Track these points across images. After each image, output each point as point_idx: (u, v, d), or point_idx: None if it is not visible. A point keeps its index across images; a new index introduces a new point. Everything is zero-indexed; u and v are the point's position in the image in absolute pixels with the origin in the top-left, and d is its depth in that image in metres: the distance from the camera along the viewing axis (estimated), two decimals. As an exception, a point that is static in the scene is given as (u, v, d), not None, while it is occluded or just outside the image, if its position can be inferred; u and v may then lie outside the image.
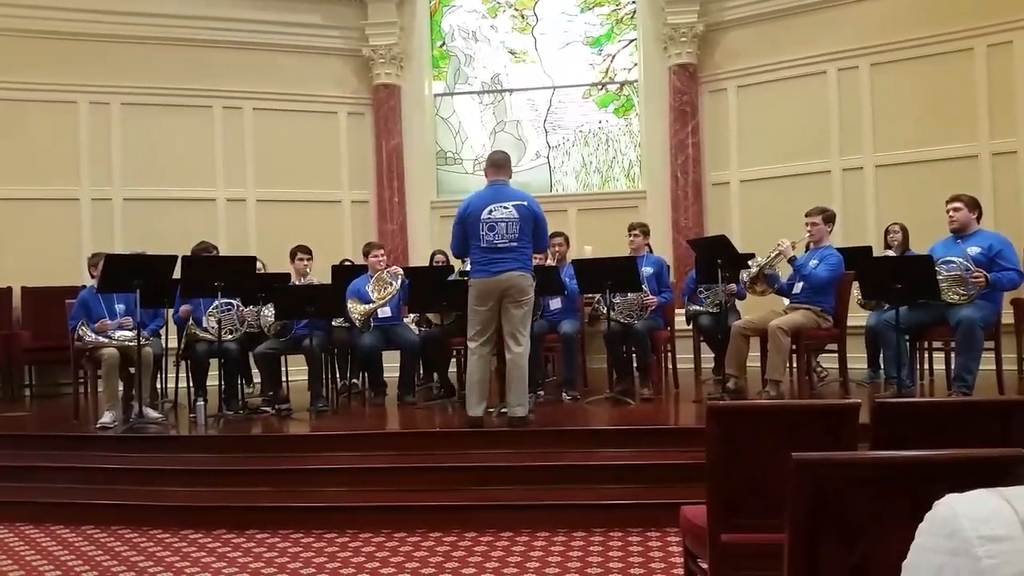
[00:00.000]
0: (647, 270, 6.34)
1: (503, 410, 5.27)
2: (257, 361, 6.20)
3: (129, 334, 5.78)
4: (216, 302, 5.92)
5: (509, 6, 9.34)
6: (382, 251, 6.68)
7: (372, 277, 6.46)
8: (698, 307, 6.56)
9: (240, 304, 6.08)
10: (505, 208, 5.01)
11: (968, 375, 5.12)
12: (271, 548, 4.20)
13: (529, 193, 5.63)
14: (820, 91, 8.07)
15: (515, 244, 5.01)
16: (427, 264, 7.52)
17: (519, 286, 5.02)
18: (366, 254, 6.66)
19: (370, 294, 6.37)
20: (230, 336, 5.99)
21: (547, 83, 9.26)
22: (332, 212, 8.98)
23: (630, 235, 6.61)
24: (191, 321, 6.09)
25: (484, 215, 5.02)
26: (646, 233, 6.69)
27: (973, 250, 5.20)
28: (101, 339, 5.80)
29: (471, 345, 5.17)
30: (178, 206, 8.37)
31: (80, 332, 5.82)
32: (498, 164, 5.25)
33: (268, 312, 6.14)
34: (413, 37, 9.19)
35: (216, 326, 5.92)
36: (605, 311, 6.05)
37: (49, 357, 7.51)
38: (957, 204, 5.35)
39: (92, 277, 6.08)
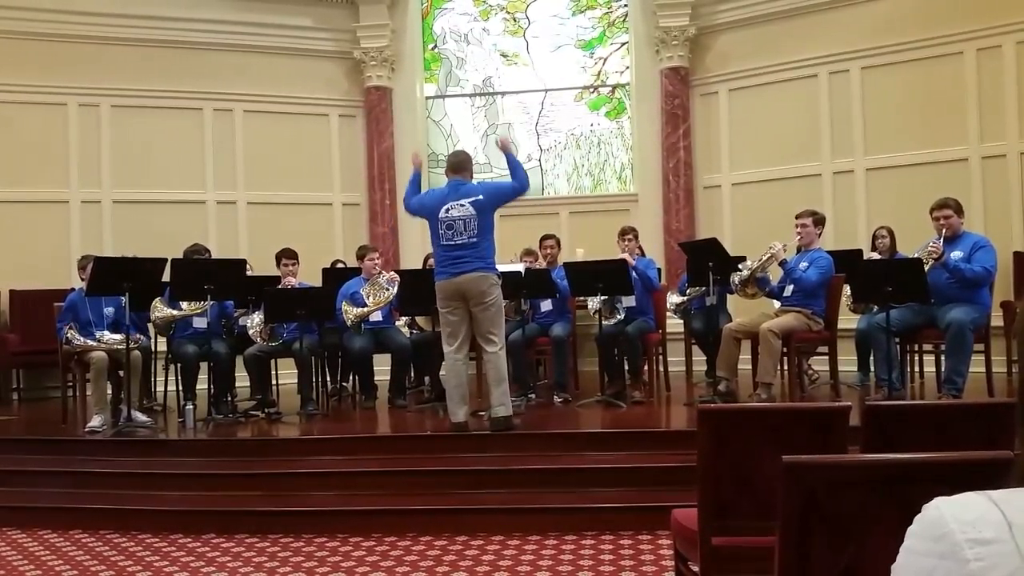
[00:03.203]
0: (640, 272, 6.32)
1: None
2: (247, 364, 6.16)
3: (118, 337, 5.75)
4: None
5: (501, 9, 9.34)
6: (377, 254, 6.67)
7: (367, 280, 6.45)
8: (681, 297, 6.54)
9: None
10: (461, 206, 5.00)
11: (958, 378, 5.14)
12: (260, 552, 4.18)
13: (491, 183, 5.54)
14: (811, 94, 8.10)
15: (475, 240, 4.98)
16: (419, 267, 7.49)
17: (479, 289, 4.97)
18: (361, 257, 6.63)
19: (365, 298, 6.35)
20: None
21: (539, 86, 9.26)
22: (323, 214, 8.95)
23: (624, 240, 6.50)
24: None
25: (441, 214, 5.02)
26: (637, 236, 6.67)
27: (957, 254, 5.23)
28: (89, 342, 5.76)
29: (446, 350, 5.15)
30: (168, 208, 8.33)
31: (68, 335, 5.78)
32: (455, 167, 5.21)
33: (254, 320, 6.11)
34: (405, 40, 9.17)
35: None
36: (598, 306, 6.02)
37: (37, 360, 7.45)
38: (947, 211, 5.36)
39: (81, 280, 6.04)
